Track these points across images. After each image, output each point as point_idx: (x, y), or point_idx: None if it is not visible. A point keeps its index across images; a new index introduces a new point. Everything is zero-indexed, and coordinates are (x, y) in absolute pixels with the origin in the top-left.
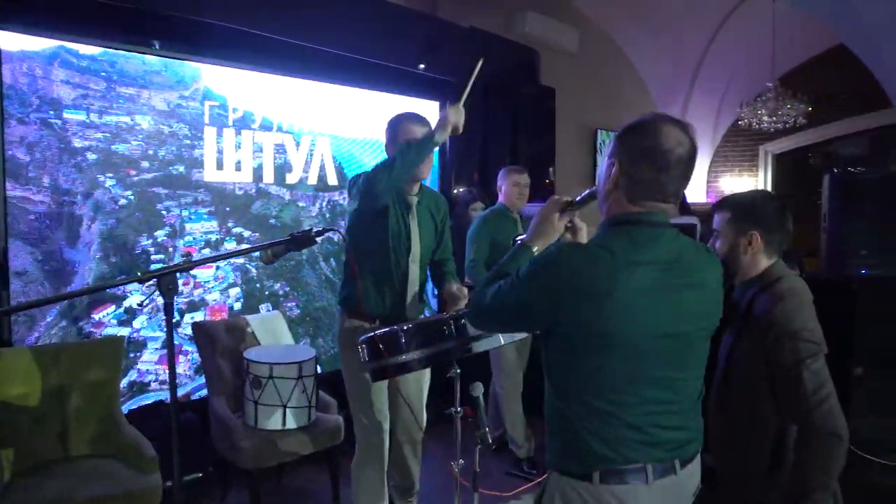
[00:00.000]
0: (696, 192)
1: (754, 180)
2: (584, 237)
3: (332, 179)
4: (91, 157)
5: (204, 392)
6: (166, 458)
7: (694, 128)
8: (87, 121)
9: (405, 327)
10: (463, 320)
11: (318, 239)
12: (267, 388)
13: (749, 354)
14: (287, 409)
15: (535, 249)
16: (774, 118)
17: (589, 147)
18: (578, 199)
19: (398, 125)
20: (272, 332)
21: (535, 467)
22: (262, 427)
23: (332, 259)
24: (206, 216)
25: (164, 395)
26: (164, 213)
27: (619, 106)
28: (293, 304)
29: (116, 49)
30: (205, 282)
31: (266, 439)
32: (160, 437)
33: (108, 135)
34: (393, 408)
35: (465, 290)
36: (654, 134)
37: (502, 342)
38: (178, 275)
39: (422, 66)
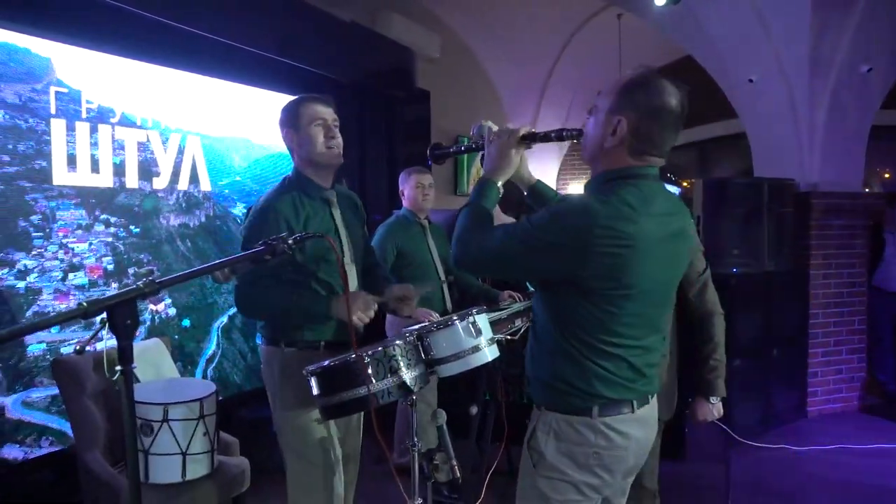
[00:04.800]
0: None
1: None
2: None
3: (206, 185)
4: None
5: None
6: None
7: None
8: None
9: (370, 352)
10: (428, 339)
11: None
12: (161, 433)
13: None
14: (187, 457)
15: (499, 184)
16: None
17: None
18: (542, 133)
19: (299, 107)
20: (153, 365)
21: (456, 491)
22: (156, 481)
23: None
24: (73, 206)
25: None
26: (32, 203)
27: (477, 114)
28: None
29: None
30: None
31: (161, 497)
32: None
33: None
34: None
35: (411, 288)
36: (662, 92)
37: (474, 365)
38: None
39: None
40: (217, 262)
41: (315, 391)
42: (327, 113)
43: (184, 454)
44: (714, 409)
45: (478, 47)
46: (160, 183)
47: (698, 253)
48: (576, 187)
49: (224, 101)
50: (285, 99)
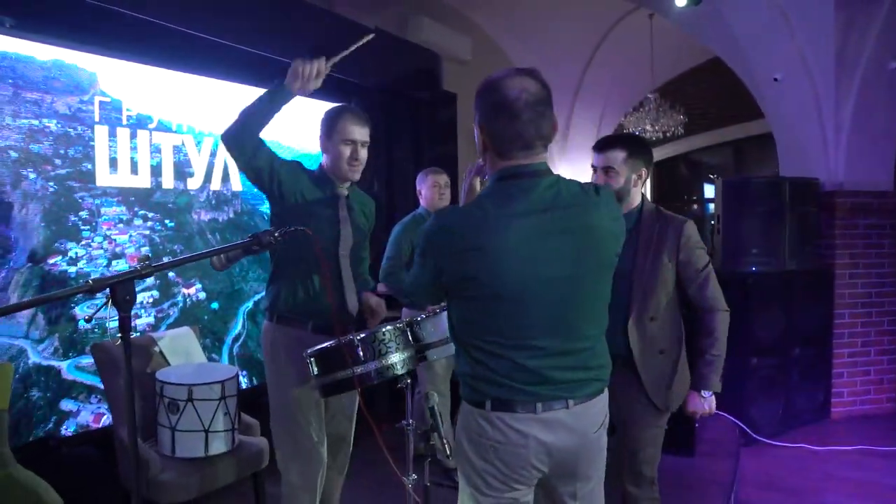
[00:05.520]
0: None
1: None
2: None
3: (237, 185)
4: (13, 154)
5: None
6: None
7: (539, 72)
8: (2, 123)
9: (360, 336)
10: (418, 325)
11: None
12: (186, 412)
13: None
14: (209, 434)
15: None
16: (656, 127)
17: None
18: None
19: (336, 121)
20: (183, 351)
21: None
22: (182, 456)
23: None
24: (115, 203)
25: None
26: (80, 200)
27: None
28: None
29: None
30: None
31: (186, 469)
32: (57, 478)
33: (22, 136)
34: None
35: (384, 305)
36: (497, 88)
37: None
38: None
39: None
40: (207, 250)
41: (314, 371)
42: (359, 133)
43: (206, 431)
44: (706, 403)
45: (510, 49)
46: (194, 183)
47: (696, 250)
48: None
49: None
50: (311, 103)
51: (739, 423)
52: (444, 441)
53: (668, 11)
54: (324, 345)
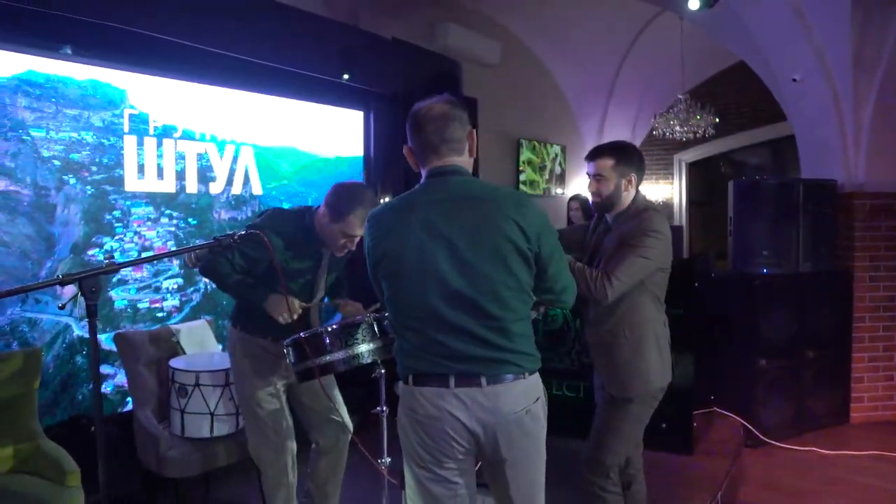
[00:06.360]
0: None
1: (670, 187)
2: None
3: (257, 189)
4: (56, 163)
5: (127, 408)
6: (91, 474)
7: (449, 97)
8: (48, 137)
9: (329, 328)
10: (386, 321)
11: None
12: (193, 396)
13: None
14: (214, 417)
15: None
16: (685, 128)
17: (512, 156)
18: None
19: (346, 213)
20: (198, 342)
21: None
22: (189, 435)
23: None
24: (144, 204)
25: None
26: (113, 202)
27: (542, 117)
28: None
29: (31, 54)
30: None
31: (193, 447)
32: (83, 453)
33: (64, 147)
34: (312, 412)
35: (360, 307)
36: (414, 110)
37: None
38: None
39: (346, 76)
40: (173, 250)
41: (290, 360)
42: (360, 231)
43: (212, 414)
44: None
45: (541, 51)
46: (216, 188)
47: (641, 237)
48: (646, 188)
49: (272, 115)
50: (327, 109)
51: (746, 424)
52: None
53: (685, 13)
54: (297, 335)
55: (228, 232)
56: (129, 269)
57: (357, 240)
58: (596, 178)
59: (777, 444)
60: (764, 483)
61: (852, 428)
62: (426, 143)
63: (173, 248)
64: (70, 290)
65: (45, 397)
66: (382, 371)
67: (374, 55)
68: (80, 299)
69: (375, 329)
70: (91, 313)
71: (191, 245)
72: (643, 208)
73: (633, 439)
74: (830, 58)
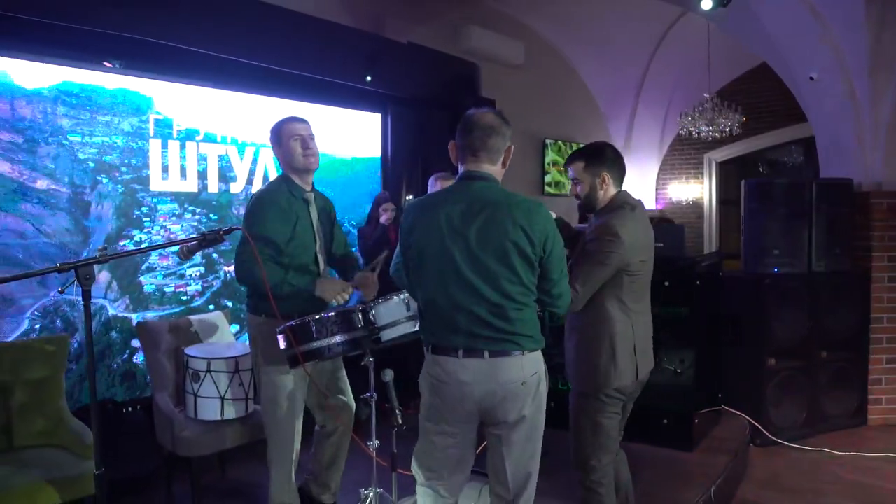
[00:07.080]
0: (646, 199)
1: (700, 186)
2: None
3: None
4: (91, 164)
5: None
6: (110, 451)
7: (501, 111)
8: (83, 141)
9: (316, 317)
10: (372, 312)
11: (226, 237)
12: (205, 381)
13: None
14: (224, 401)
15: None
16: (712, 127)
17: (537, 157)
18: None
19: (281, 127)
20: (214, 331)
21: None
22: (202, 417)
23: None
24: (169, 201)
25: (112, 393)
26: (141, 199)
27: (569, 117)
28: None
29: (74, 67)
30: (175, 231)
31: (204, 429)
32: (107, 434)
33: (97, 150)
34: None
35: (374, 277)
36: (468, 113)
37: (410, 330)
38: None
39: (368, 77)
40: (164, 242)
41: (282, 345)
42: (303, 129)
43: (222, 398)
44: None
45: (568, 52)
46: (236, 187)
47: (596, 240)
48: (675, 187)
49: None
50: (343, 112)
51: (754, 423)
52: (397, 411)
53: (700, 13)
54: (288, 323)
55: (214, 228)
56: (156, 257)
57: (306, 137)
58: (573, 181)
59: (787, 444)
60: (765, 481)
61: (869, 430)
62: (469, 144)
63: (105, 246)
64: (103, 275)
65: (85, 367)
66: (371, 360)
67: (392, 60)
68: (114, 284)
69: (360, 319)
70: (86, 297)
71: (186, 238)
72: (617, 206)
73: (597, 435)
74: (848, 56)
